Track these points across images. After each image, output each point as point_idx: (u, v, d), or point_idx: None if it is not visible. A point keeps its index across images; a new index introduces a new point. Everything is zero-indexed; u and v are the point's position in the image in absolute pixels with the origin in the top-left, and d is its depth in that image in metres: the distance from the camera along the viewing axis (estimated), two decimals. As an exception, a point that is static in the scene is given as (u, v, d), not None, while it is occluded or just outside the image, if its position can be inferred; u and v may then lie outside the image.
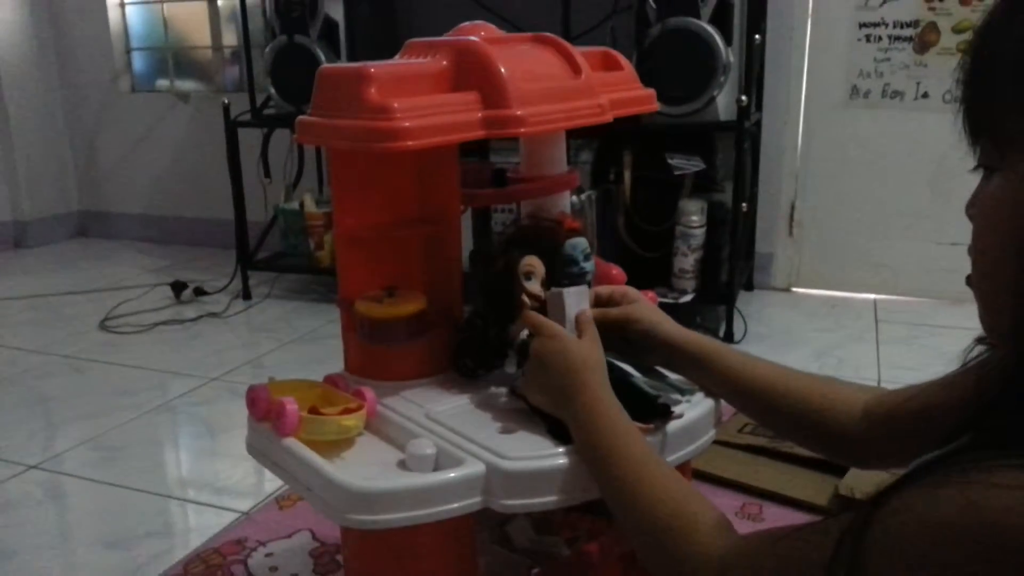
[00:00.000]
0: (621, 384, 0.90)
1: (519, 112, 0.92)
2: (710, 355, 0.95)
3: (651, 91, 1.16)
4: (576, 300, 0.94)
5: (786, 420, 0.93)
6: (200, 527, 1.51)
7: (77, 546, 1.49)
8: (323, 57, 2.68)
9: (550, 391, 0.89)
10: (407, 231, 1.06)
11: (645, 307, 0.99)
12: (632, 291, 1.01)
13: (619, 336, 0.97)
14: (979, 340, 0.66)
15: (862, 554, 0.53)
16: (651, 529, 0.74)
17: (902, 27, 2.53)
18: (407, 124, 0.86)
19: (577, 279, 1.05)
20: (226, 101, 2.77)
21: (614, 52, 1.16)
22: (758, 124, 2.67)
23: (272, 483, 1.61)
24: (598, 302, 0.99)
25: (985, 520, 0.47)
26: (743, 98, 2.25)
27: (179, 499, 1.63)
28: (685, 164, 2.39)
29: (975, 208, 0.61)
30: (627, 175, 2.42)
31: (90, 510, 1.60)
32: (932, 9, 2.48)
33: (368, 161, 1.03)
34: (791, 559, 0.61)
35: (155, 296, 2.91)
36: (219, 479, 1.71)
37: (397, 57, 1.04)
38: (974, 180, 0.63)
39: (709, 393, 0.99)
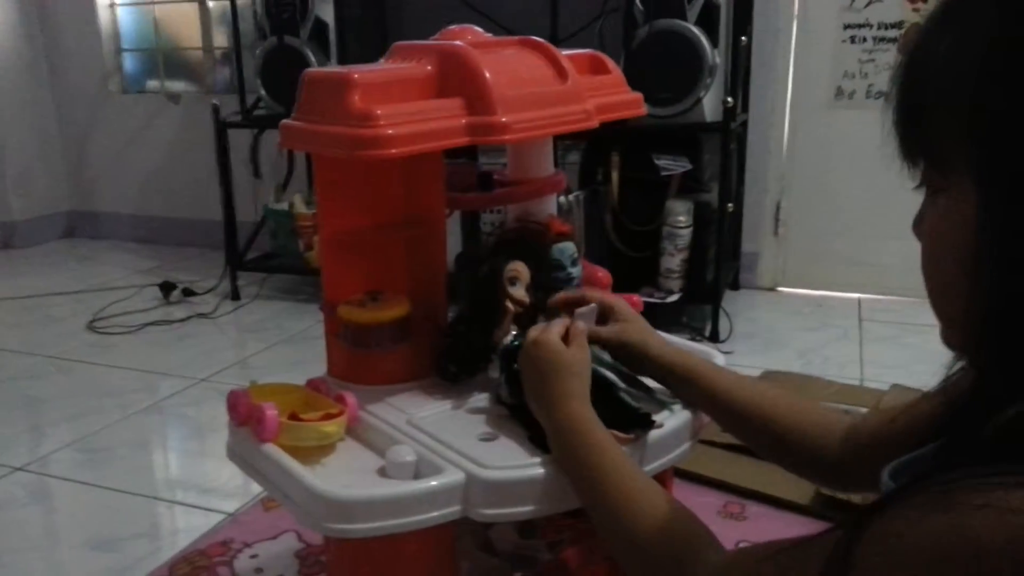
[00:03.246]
0: (603, 393, 0.90)
1: (504, 119, 0.92)
2: (696, 376, 0.95)
3: (638, 95, 1.15)
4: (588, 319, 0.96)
5: (768, 442, 0.92)
6: (186, 528, 1.51)
7: (63, 548, 1.49)
8: (313, 58, 2.68)
9: (533, 391, 0.89)
10: (391, 235, 1.05)
11: (635, 328, 0.98)
12: (622, 306, 1.00)
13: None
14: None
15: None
16: (636, 548, 0.73)
17: (887, 28, 2.55)
18: (390, 131, 0.86)
19: (564, 284, 1.06)
20: (216, 102, 2.77)
21: (602, 55, 1.16)
22: (744, 125, 2.68)
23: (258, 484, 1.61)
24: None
25: (971, 545, 0.46)
26: (729, 99, 2.26)
27: (166, 500, 1.63)
28: (672, 165, 2.39)
29: (922, 227, 0.60)
30: (614, 175, 2.43)
31: (76, 512, 1.60)
32: (916, 10, 2.50)
33: (353, 165, 1.02)
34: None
35: (144, 297, 2.91)
36: (206, 480, 1.71)
37: (382, 60, 1.04)
38: None
39: (689, 405, 0.99)
